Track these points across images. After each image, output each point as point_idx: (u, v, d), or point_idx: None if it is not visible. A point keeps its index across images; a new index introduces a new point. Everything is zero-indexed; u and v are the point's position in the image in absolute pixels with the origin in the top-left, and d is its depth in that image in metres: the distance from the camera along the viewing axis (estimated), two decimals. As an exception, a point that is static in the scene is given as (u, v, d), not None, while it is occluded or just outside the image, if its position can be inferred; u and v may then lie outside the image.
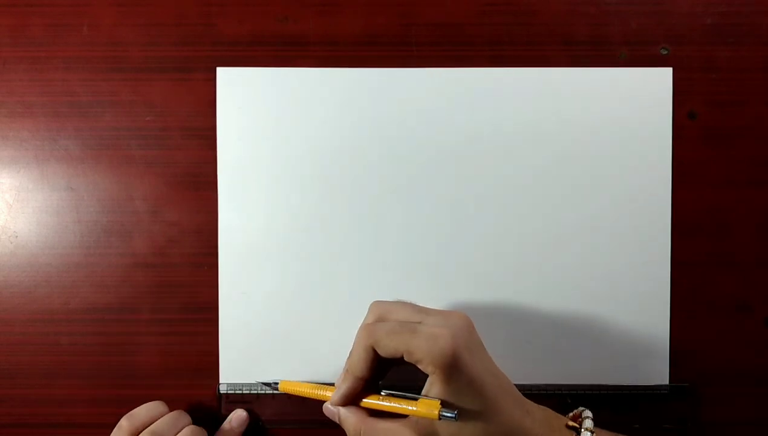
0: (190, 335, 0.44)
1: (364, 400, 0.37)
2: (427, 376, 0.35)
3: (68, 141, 0.44)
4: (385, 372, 0.38)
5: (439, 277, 0.43)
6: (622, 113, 0.43)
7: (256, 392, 0.44)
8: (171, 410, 0.42)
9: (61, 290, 0.44)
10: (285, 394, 0.43)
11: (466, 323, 0.36)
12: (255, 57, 0.44)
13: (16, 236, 0.44)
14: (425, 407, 0.34)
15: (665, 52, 0.44)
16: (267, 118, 0.43)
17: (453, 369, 0.33)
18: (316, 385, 0.40)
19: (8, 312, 0.44)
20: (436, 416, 0.33)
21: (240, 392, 0.43)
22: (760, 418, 0.44)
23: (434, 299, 0.43)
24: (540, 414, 0.36)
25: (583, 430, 0.36)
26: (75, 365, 0.44)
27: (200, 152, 0.44)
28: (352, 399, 0.37)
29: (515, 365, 0.43)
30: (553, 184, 0.43)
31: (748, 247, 0.44)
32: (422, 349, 0.33)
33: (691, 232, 0.44)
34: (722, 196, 0.44)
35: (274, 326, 0.43)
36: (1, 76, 0.44)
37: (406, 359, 0.34)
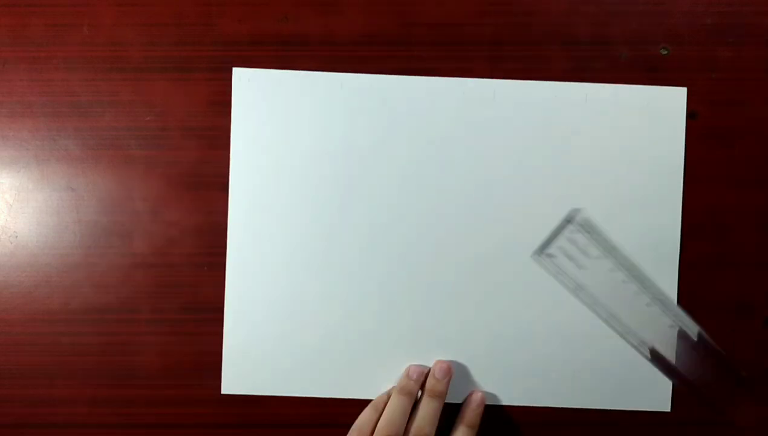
0: (191, 335, 0.44)
1: None
2: None
3: (68, 141, 0.44)
4: None
5: (444, 282, 0.43)
6: (634, 130, 0.43)
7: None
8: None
9: (61, 290, 0.44)
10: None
11: None
12: (255, 57, 0.44)
13: (16, 236, 0.44)
14: None
15: (665, 52, 0.44)
16: (280, 121, 0.43)
17: None
18: None
19: (8, 312, 0.44)
20: None
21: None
22: (760, 418, 0.44)
23: (435, 298, 0.43)
24: None
25: None
26: (75, 365, 0.44)
27: (200, 152, 0.44)
28: None
29: (517, 371, 0.44)
30: (557, 192, 0.43)
31: (748, 247, 0.44)
32: None
33: (692, 232, 0.44)
34: (722, 196, 0.44)
35: (277, 327, 0.43)
36: (1, 76, 0.44)
37: None
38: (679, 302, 0.43)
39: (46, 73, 0.44)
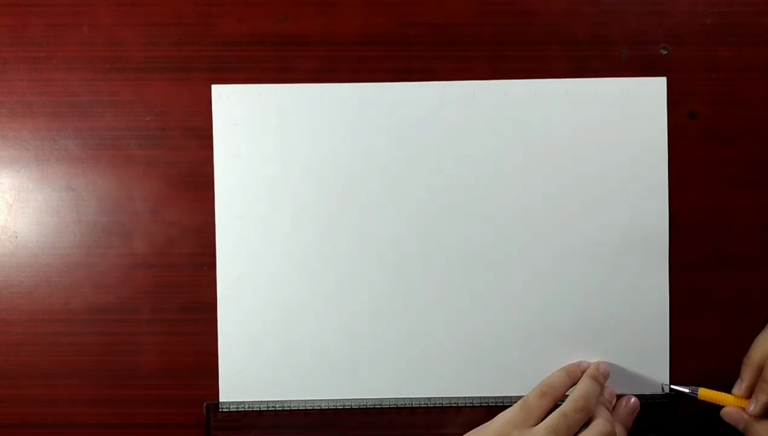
0: (190, 335, 0.44)
1: None
2: None
3: (68, 141, 0.44)
4: None
5: (436, 283, 0.43)
6: (619, 121, 0.43)
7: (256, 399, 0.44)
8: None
9: (61, 290, 0.44)
10: (280, 397, 0.44)
11: None
12: (255, 57, 0.44)
13: (16, 236, 0.44)
14: None
15: (665, 52, 0.44)
16: (263, 132, 0.43)
17: None
18: (735, 396, 0.41)
19: (8, 312, 0.44)
20: None
21: (238, 399, 0.44)
22: (760, 418, 0.44)
23: (427, 299, 0.43)
24: None
25: None
26: (75, 365, 0.44)
27: (200, 152, 0.44)
28: None
29: (511, 372, 0.44)
30: (553, 191, 0.43)
31: (748, 247, 0.44)
32: None
33: (691, 232, 0.44)
34: (722, 196, 0.44)
35: (273, 326, 0.43)
36: (1, 76, 0.44)
37: None
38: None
39: (46, 73, 0.44)
